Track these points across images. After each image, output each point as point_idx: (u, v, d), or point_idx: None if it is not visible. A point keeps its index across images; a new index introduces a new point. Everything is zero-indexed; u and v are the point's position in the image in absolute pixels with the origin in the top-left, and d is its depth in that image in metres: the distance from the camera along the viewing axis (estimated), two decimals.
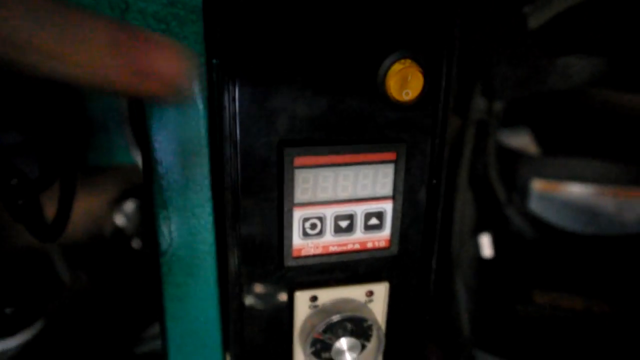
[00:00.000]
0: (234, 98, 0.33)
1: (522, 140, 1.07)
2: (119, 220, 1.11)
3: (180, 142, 0.39)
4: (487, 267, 0.82)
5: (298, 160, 0.33)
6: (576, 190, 0.93)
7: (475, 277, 0.79)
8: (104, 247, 1.07)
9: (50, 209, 0.52)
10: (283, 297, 0.38)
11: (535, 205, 0.92)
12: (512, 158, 0.94)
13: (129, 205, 1.12)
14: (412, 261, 0.39)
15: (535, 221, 0.86)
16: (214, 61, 0.36)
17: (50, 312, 0.47)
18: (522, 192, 0.92)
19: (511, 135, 1.04)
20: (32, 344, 0.43)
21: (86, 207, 1.08)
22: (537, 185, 0.94)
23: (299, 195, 0.34)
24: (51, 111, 0.53)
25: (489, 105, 0.75)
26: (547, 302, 0.81)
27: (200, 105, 0.38)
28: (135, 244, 1.09)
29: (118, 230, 1.11)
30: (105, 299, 0.97)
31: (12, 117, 0.50)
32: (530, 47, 0.71)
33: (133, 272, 1.05)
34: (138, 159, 0.59)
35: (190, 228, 0.41)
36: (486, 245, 0.81)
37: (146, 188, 0.41)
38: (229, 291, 0.40)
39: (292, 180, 0.34)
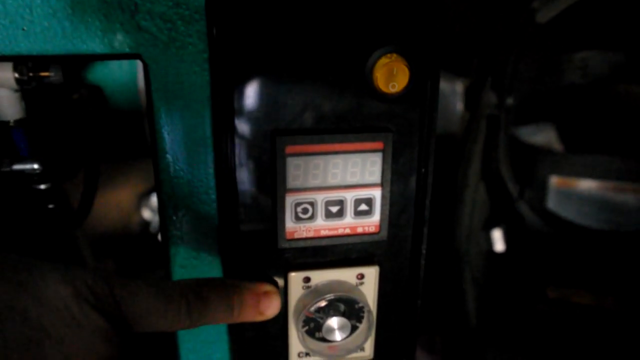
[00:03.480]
0: (232, 91, 0.36)
1: (546, 137, 1.06)
2: (146, 213, 1.16)
3: (186, 133, 0.42)
4: (499, 261, 0.82)
5: (289, 149, 0.36)
6: (595, 186, 0.92)
7: (484, 271, 0.79)
8: (131, 239, 1.11)
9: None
10: (278, 278, 0.40)
11: (553, 202, 0.92)
12: (531, 154, 0.94)
13: (156, 200, 1.17)
14: (402, 246, 0.41)
15: (550, 217, 0.86)
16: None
17: None
18: (540, 188, 0.92)
19: (535, 132, 1.04)
20: None
21: (115, 200, 1.13)
22: (556, 181, 0.94)
23: (291, 181, 0.37)
24: (76, 105, 0.57)
25: (500, 100, 0.75)
26: (560, 298, 0.80)
27: (204, 97, 0.41)
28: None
29: (145, 223, 1.16)
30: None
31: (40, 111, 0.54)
32: (541, 42, 0.71)
33: (160, 264, 1.09)
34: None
35: (196, 214, 0.44)
36: (498, 240, 0.81)
37: (155, 177, 0.44)
38: (230, 273, 0.43)
39: (284, 167, 0.36)
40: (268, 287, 0.38)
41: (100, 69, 0.64)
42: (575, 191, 0.92)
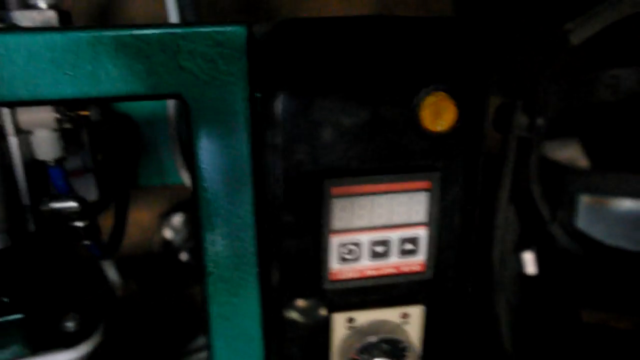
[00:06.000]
0: (276, 129, 0.35)
1: (571, 152, 1.04)
2: (168, 233, 1.17)
3: (226, 171, 0.41)
4: (531, 284, 0.80)
5: (335, 190, 0.35)
6: (627, 205, 0.90)
7: (518, 295, 0.78)
8: (153, 258, 1.11)
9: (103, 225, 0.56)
10: (321, 318, 0.39)
11: (583, 221, 0.90)
12: (559, 172, 0.92)
13: (177, 219, 1.17)
14: (447, 285, 0.40)
15: (583, 238, 0.84)
16: (257, 95, 0.39)
17: (106, 323, 0.51)
18: (570, 208, 0.90)
19: (560, 147, 1.02)
20: (92, 355, 0.47)
21: (137, 220, 1.14)
22: (586, 200, 0.92)
23: (336, 223, 0.36)
24: (109, 137, 0.57)
25: (531, 121, 0.74)
26: (596, 321, 0.78)
27: (245, 136, 0.40)
28: (183, 256, 1.14)
29: (166, 243, 1.16)
30: (153, 307, 1.02)
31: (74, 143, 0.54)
32: (574, 63, 0.70)
33: (180, 284, 1.09)
34: (185, 180, 0.63)
35: (235, 250, 0.43)
36: (530, 263, 0.80)
37: (194, 213, 0.44)
38: (270, 312, 0.42)
39: (329, 208, 0.36)
40: None
41: None
42: (607, 211, 0.90)
